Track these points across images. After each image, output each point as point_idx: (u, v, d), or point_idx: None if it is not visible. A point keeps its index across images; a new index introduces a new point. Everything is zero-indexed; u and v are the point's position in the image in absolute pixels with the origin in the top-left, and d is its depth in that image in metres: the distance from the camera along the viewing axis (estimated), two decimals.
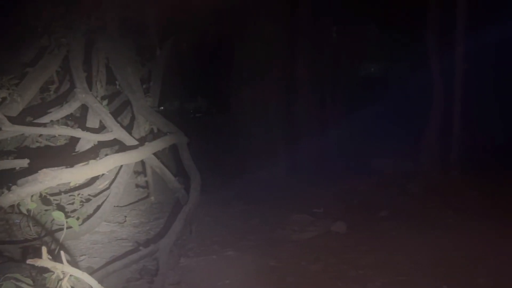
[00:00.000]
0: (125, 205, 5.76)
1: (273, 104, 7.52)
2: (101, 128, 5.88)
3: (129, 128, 6.19)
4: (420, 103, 7.39)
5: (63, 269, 2.56)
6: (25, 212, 4.21)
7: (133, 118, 6.40)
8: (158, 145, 5.64)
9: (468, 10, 6.65)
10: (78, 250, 4.35)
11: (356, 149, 7.86)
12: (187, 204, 4.92)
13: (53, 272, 2.60)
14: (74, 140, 5.85)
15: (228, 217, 5.53)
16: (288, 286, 3.62)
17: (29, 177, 4.08)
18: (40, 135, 5.85)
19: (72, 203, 5.07)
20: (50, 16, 6.16)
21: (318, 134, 7.85)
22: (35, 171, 3.82)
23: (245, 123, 7.63)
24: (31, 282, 2.95)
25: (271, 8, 7.28)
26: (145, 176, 6.12)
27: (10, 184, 3.93)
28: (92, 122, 5.94)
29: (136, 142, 5.54)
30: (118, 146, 5.86)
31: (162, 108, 7.28)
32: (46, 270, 2.66)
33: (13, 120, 4.70)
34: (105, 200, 5.08)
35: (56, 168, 4.19)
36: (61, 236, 3.41)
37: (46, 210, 4.53)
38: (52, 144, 6.00)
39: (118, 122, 5.82)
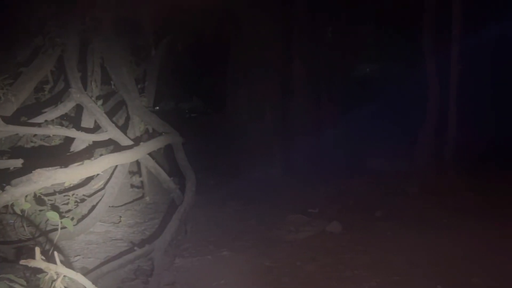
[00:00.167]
0: (120, 205, 5.74)
1: (269, 103, 7.50)
2: (96, 128, 5.86)
3: (124, 128, 6.17)
4: (416, 103, 7.40)
5: (56, 270, 2.55)
6: (19, 212, 4.19)
7: (128, 118, 6.38)
8: (153, 145, 5.63)
9: (463, 10, 6.66)
10: (73, 250, 4.33)
11: (352, 148, 7.86)
12: (182, 204, 4.91)
13: (47, 273, 2.59)
14: (69, 140, 5.83)
15: (223, 217, 5.52)
16: (284, 286, 3.62)
17: (23, 177, 4.07)
18: (35, 135, 5.82)
19: (67, 203, 5.04)
20: (44, 15, 6.13)
21: (314, 134, 7.85)
22: (29, 171, 3.79)
23: (240, 123, 7.62)
24: (24, 283, 2.95)
25: (267, 7, 7.27)
26: (140, 176, 6.10)
27: (4, 184, 3.90)
28: (87, 122, 5.92)
29: (131, 142, 5.52)
30: (113, 146, 5.83)
31: (157, 108, 7.25)
32: (39, 270, 2.65)
33: (7, 120, 4.68)
34: (100, 200, 5.07)
35: (50, 168, 4.17)
36: (56, 236, 3.40)
37: (40, 210, 4.51)
38: (46, 144, 5.98)
39: (113, 122, 5.81)
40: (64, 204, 5.04)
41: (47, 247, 3.98)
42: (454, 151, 6.77)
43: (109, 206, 5.23)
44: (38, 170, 3.75)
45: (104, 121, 5.53)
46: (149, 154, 5.63)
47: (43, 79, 6.19)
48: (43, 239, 4.20)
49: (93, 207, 4.98)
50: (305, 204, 5.72)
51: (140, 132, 6.26)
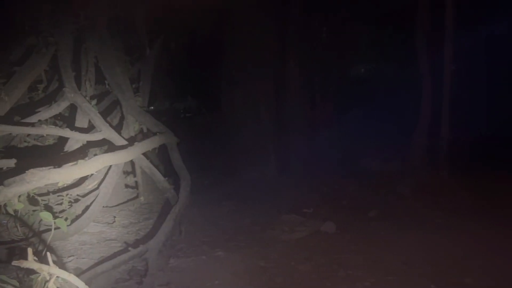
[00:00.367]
0: (114, 206, 5.72)
1: (263, 103, 7.51)
2: (90, 128, 5.83)
3: (118, 128, 6.14)
4: (410, 102, 7.43)
5: (49, 271, 2.54)
6: (12, 212, 4.16)
7: (122, 118, 6.35)
8: (147, 145, 5.61)
9: (456, 9, 6.68)
10: (66, 251, 4.31)
11: (346, 149, 7.88)
12: (176, 204, 4.89)
13: (40, 274, 2.57)
14: (63, 140, 5.80)
15: (218, 217, 5.52)
16: (278, 286, 3.62)
17: (17, 177, 4.03)
18: (28, 135, 5.78)
19: (61, 204, 5.01)
20: (38, 14, 6.10)
21: (309, 134, 7.86)
22: (23, 171, 3.77)
23: (235, 123, 7.62)
24: (17, 284, 2.93)
25: (262, 7, 7.27)
26: (135, 176, 6.08)
27: None
28: (81, 121, 5.88)
29: (125, 142, 5.50)
30: (107, 146, 5.81)
31: (152, 107, 7.24)
32: (32, 271, 2.64)
33: (0, 120, 4.65)
34: (94, 200, 5.04)
35: (44, 168, 4.13)
36: (49, 237, 3.38)
37: (33, 211, 4.49)
38: (40, 144, 5.94)
39: (107, 122, 5.78)
40: (57, 204, 5.01)
41: (40, 247, 3.96)
42: (447, 151, 6.80)
43: (103, 207, 5.21)
44: (32, 170, 3.73)
45: (98, 121, 5.50)
46: (144, 154, 5.61)
47: (37, 78, 6.15)
48: (37, 240, 4.17)
49: (87, 207, 4.96)
50: (300, 204, 5.74)
51: (135, 132, 6.24)
